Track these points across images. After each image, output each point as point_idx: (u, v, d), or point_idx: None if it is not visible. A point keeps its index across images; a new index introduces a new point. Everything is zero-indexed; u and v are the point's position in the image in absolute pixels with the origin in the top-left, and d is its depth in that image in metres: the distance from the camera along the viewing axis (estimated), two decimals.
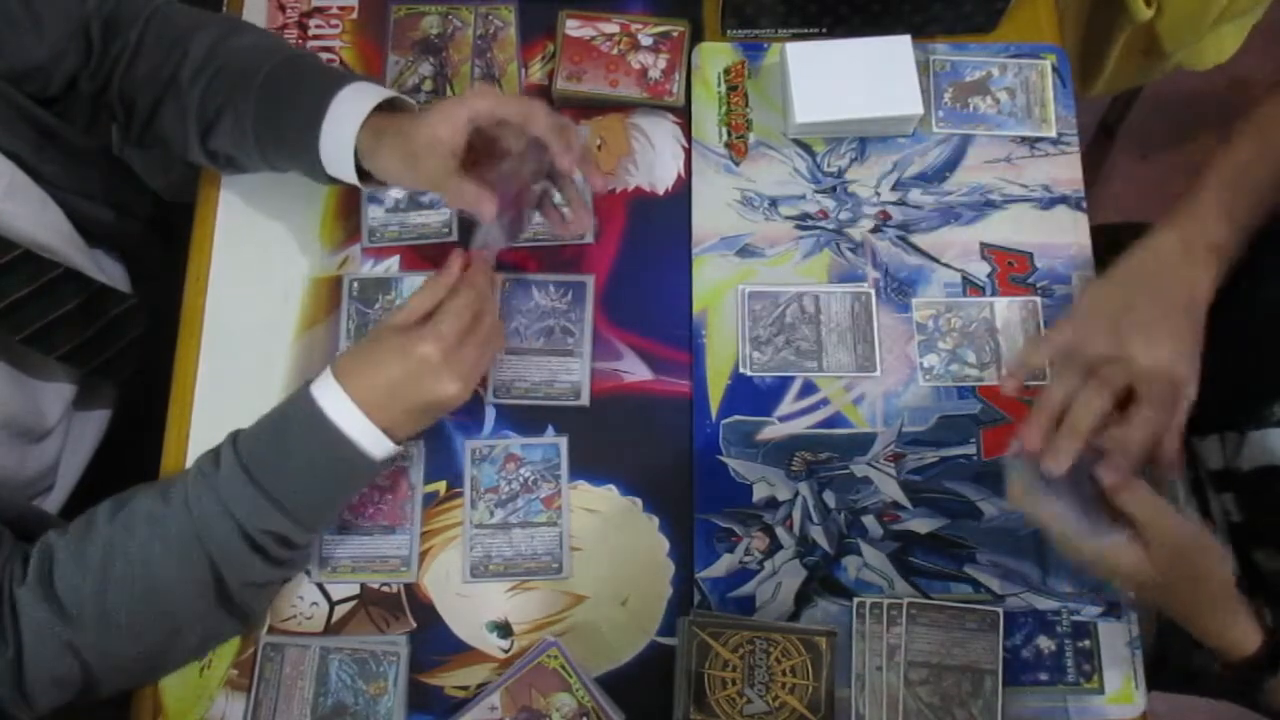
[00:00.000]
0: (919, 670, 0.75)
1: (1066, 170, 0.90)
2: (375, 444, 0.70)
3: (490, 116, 0.72)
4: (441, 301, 0.71)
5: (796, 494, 0.82)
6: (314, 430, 0.69)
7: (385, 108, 0.76)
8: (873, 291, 0.86)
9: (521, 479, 0.82)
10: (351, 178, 0.77)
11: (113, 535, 0.68)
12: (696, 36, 0.94)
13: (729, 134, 0.91)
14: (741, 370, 0.84)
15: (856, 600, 0.77)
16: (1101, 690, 0.77)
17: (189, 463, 0.82)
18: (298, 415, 0.70)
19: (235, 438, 0.71)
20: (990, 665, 0.76)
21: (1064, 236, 0.88)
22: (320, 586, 0.80)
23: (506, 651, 0.79)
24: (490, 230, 0.75)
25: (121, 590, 0.67)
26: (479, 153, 0.76)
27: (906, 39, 0.88)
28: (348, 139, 0.75)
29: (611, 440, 0.83)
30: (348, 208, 0.90)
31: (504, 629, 0.79)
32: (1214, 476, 0.81)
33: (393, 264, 0.88)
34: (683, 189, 0.90)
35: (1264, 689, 0.67)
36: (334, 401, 0.69)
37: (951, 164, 0.90)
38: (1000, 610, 0.77)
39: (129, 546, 0.67)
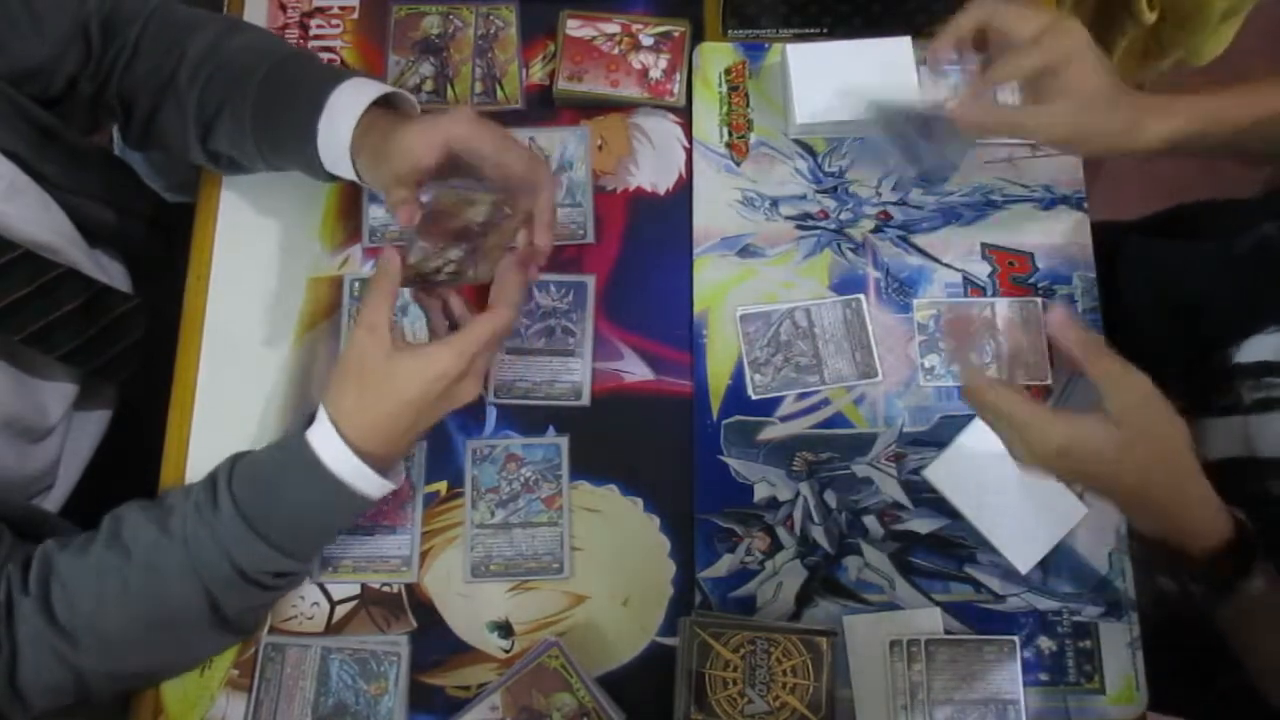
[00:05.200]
0: (943, 708, 0.75)
1: (1067, 170, 0.90)
2: (374, 487, 0.70)
3: (465, 144, 0.73)
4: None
5: (797, 494, 0.82)
6: (314, 481, 0.69)
7: (384, 104, 0.76)
8: (863, 297, 0.86)
9: (522, 479, 0.82)
10: (349, 174, 0.77)
11: (111, 562, 0.68)
12: (697, 36, 0.94)
13: (730, 134, 0.91)
14: (750, 396, 0.84)
15: (889, 639, 0.77)
16: (1102, 690, 0.77)
17: (189, 462, 0.83)
18: (296, 465, 0.69)
19: (231, 476, 0.70)
20: (1012, 695, 0.76)
21: (1065, 236, 0.88)
22: (321, 586, 0.80)
23: (507, 651, 0.79)
24: (413, 242, 0.72)
25: (118, 615, 0.67)
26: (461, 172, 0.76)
27: (907, 40, 0.88)
28: (345, 134, 0.75)
29: (612, 440, 0.83)
30: (348, 208, 0.90)
31: (505, 629, 0.79)
32: None
33: None
34: (683, 189, 0.90)
35: (1229, 600, 0.66)
36: (334, 453, 0.68)
37: (952, 164, 0.90)
38: (1017, 639, 0.77)
39: (126, 574, 0.67)
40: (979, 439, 0.81)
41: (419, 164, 0.72)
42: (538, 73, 0.94)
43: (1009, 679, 0.76)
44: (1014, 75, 0.73)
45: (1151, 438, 0.65)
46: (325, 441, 0.68)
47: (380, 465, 0.70)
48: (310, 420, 0.70)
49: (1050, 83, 0.72)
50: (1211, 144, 0.73)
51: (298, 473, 0.69)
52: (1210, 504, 0.66)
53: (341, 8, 0.96)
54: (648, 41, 0.92)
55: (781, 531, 0.81)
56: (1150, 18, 1.13)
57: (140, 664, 0.72)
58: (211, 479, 0.71)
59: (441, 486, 0.82)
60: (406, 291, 0.87)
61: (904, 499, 0.82)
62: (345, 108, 0.75)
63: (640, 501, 0.82)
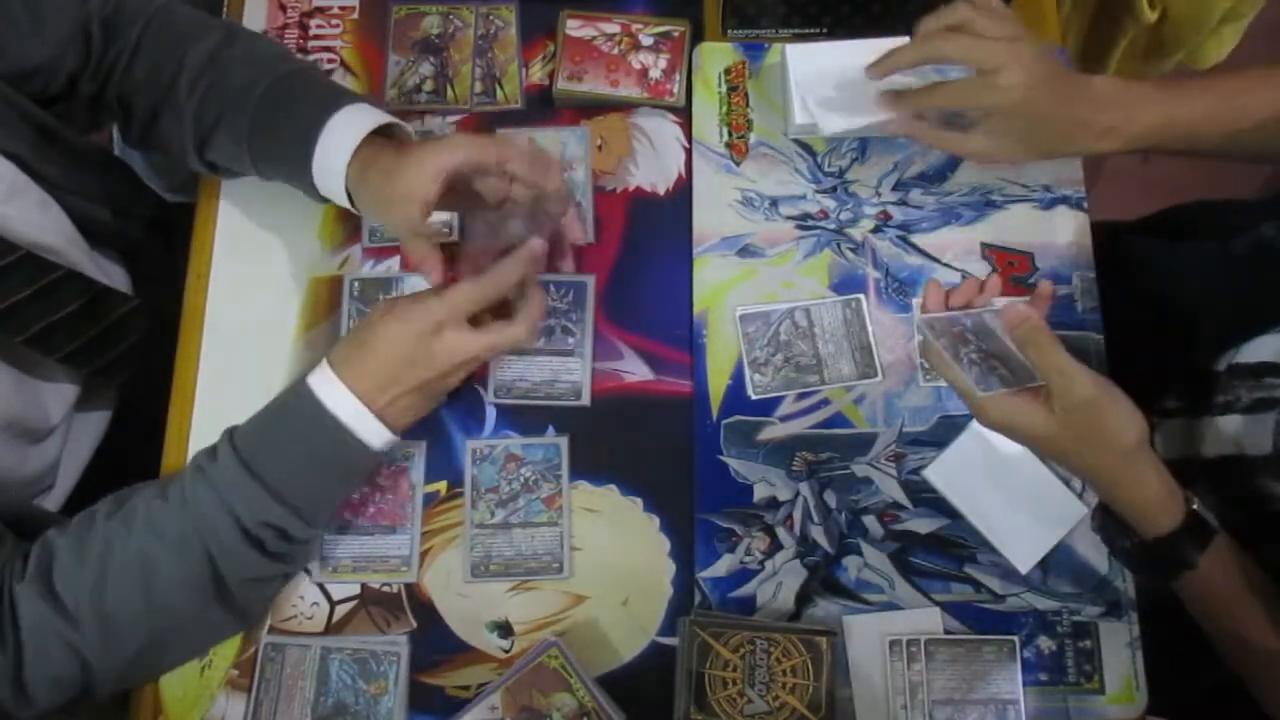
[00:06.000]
0: (943, 708, 0.76)
1: (1067, 170, 0.90)
2: (373, 433, 0.71)
3: (466, 165, 0.73)
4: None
5: (797, 494, 0.82)
6: (312, 421, 0.70)
7: (380, 132, 0.76)
8: (863, 298, 0.86)
9: (522, 479, 0.82)
10: (343, 201, 0.77)
11: (111, 533, 0.68)
12: (697, 36, 0.94)
13: (729, 134, 0.91)
14: (750, 396, 0.84)
15: (889, 639, 0.77)
16: (1102, 690, 0.77)
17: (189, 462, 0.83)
18: (295, 407, 0.71)
19: (232, 432, 0.72)
20: (1011, 695, 0.76)
21: (1064, 236, 0.88)
22: (321, 586, 0.80)
23: (507, 651, 0.79)
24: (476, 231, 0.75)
25: (120, 587, 0.67)
26: (463, 195, 0.77)
27: (906, 40, 0.88)
28: (339, 168, 0.75)
29: (612, 440, 0.83)
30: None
31: (504, 629, 0.79)
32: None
33: (393, 264, 0.88)
34: (683, 189, 0.90)
35: (1181, 577, 0.67)
36: (331, 391, 0.70)
37: (952, 164, 0.90)
38: (1017, 639, 0.77)
39: (127, 543, 0.68)
40: (979, 439, 0.81)
41: (423, 200, 0.73)
42: (538, 73, 0.94)
43: (1009, 679, 0.76)
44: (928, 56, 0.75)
45: (1091, 435, 0.66)
46: (323, 381, 0.70)
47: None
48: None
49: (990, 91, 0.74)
50: (1179, 143, 0.74)
51: (298, 414, 0.71)
52: (1159, 494, 0.67)
53: (341, 8, 0.96)
54: (647, 41, 0.92)
55: (781, 531, 0.81)
56: (1151, 16, 1.12)
57: (142, 646, 0.71)
58: (213, 444, 0.72)
59: (441, 486, 0.83)
60: (405, 285, 0.88)
61: (904, 499, 0.82)
62: (340, 139, 0.75)
63: (640, 501, 0.82)
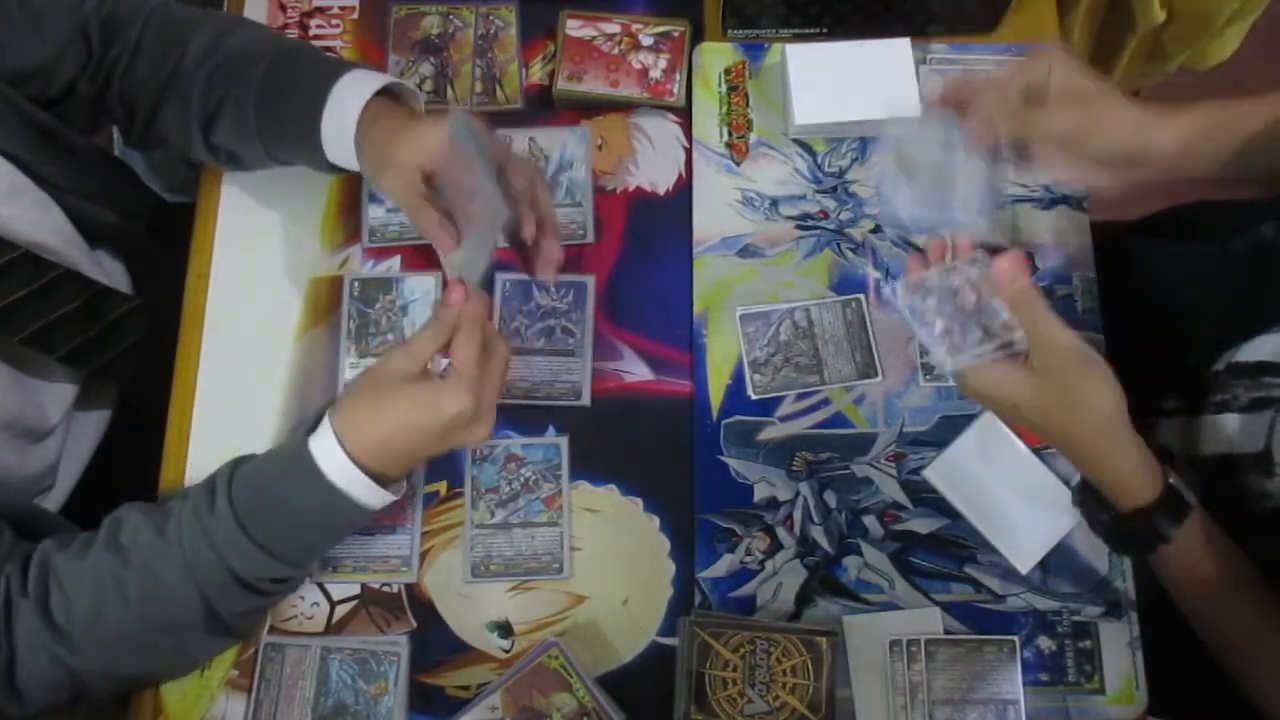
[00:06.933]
0: (943, 708, 0.76)
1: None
2: (375, 498, 0.69)
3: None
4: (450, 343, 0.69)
5: (797, 494, 0.82)
6: (312, 489, 0.68)
7: (388, 94, 0.77)
8: (863, 298, 0.86)
9: (522, 479, 0.82)
10: (353, 164, 0.77)
11: (108, 565, 0.67)
12: (697, 36, 0.94)
13: (730, 134, 0.91)
14: (750, 396, 0.84)
15: (889, 639, 0.77)
16: (1102, 690, 0.77)
17: (189, 462, 0.83)
18: (296, 472, 0.68)
19: (231, 480, 0.69)
20: (1012, 695, 0.76)
21: (1065, 236, 0.88)
22: (321, 586, 0.80)
23: (507, 651, 0.79)
24: (466, 255, 0.72)
25: (115, 618, 0.67)
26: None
27: (906, 41, 0.88)
28: (349, 125, 0.75)
29: (612, 440, 0.83)
30: (348, 207, 0.90)
31: (504, 629, 0.79)
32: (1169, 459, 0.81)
33: (393, 264, 0.88)
34: (683, 189, 0.90)
35: (1156, 550, 0.68)
36: (335, 462, 0.67)
37: None
38: (1017, 639, 0.77)
39: (123, 577, 0.67)
40: (979, 439, 0.81)
41: (421, 170, 0.73)
42: (538, 73, 0.94)
43: (1009, 679, 0.76)
44: (1003, 94, 0.73)
45: (1070, 398, 0.65)
46: (325, 450, 0.67)
47: (377, 479, 0.69)
48: (314, 424, 0.69)
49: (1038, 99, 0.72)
50: (1222, 154, 0.73)
51: (297, 480, 0.68)
52: (1136, 467, 0.67)
53: (341, 8, 0.96)
54: (647, 41, 0.92)
55: (781, 531, 0.81)
56: (1160, 16, 1.13)
57: (137, 667, 0.72)
58: (211, 483, 0.70)
59: (441, 486, 0.83)
60: (405, 286, 0.87)
61: (904, 499, 0.82)
62: (349, 98, 0.76)
63: (640, 501, 0.82)
